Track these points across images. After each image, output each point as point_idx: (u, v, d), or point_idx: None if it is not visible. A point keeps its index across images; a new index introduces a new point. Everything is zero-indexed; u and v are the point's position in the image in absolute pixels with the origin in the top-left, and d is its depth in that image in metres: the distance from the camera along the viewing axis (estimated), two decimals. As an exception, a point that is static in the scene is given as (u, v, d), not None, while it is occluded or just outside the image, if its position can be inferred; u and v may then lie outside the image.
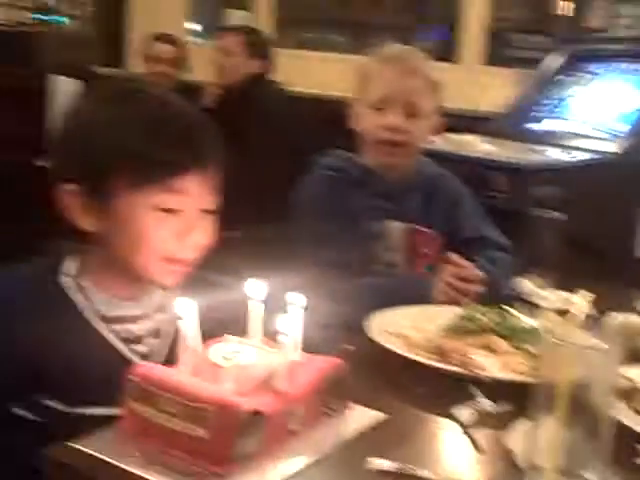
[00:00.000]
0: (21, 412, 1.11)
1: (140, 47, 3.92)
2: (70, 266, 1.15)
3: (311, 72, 3.96)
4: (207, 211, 1.15)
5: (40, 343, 1.07)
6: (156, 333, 1.19)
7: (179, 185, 1.09)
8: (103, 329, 1.13)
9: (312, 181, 1.79)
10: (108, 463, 0.89)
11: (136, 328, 1.17)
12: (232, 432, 0.87)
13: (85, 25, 4.80)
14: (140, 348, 1.16)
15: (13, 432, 1.10)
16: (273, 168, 3.18)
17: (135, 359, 1.13)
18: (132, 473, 0.87)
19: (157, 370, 0.95)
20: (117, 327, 1.14)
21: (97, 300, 1.13)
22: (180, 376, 0.93)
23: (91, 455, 0.90)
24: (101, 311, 1.13)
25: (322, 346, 1.09)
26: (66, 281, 1.13)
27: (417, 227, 1.79)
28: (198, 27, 4.88)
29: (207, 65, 3.68)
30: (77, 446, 0.92)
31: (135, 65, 4.16)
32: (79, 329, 1.11)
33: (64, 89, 4.10)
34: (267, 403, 0.93)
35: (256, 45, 3.55)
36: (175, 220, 1.11)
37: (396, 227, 1.77)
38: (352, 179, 1.77)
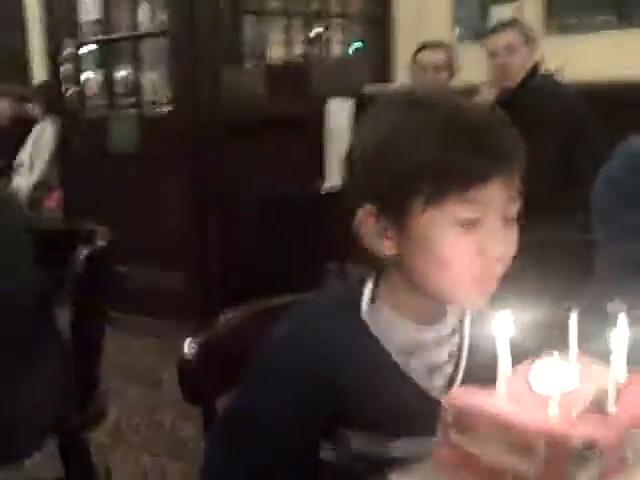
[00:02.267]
0: (329, 457, 1.08)
1: (409, 58, 3.92)
2: (368, 293, 1.10)
3: (583, 56, 3.74)
4: (509, 220, 1.05)
5: (346, 381, 1.03)
6: (454, 356, 1.12)
7: (481, 195, 1.00)
8: (403, 362, 1.07)
9: (616, 168, 1.64)
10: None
11: (435, 355, 1.10)
12: (564, 467, 0.78)
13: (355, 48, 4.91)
14: (439, 379, 1.09)
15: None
16: (554, 168, 3.03)
17: (435, 393, 1.07)
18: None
19: (477, 397, 0.88)
20: (416, 360, 1.08)
21: (395, 330, 1.08)
22: (501, 404, 0.86)
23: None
24: (399, 343, 1.07)
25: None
26: (366, 312, 1.08)
27: None
28: (457, 29, 4.78)
29: (477, 67, 3.60)
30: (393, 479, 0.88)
31: (405, 77, 4.18)
32: (379, 363, 1.06)
33: (337, 112, 4.23)
34: (600, 431, 0.82)
35: (530, 37, 3.40)
36: (477, 234, 1.02)
37: None
38: None
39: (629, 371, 0.92)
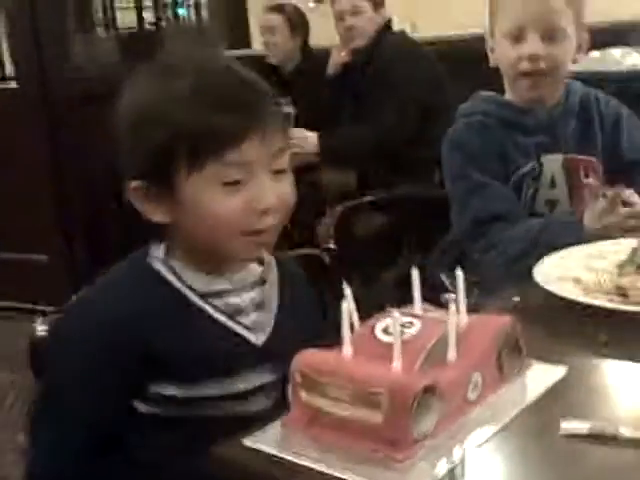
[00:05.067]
0: (141, 407, 1.09)
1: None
2: (158, 251, 1.12)
3: (435, 13, 3.82)
4: (279, 171, 1.08)
5: (144, 327, 1.06)
6: (260, 306, 1.14)
7: (238, 157, 1.03)
8: (203, 304, 1.10)
9: (458, 130, 1.69)
10: (282, 459, 0.86)
11: (238, 300, 1.12)
12: (408, 413, 0.82)
13: (208, 13, 4.81)
14: (244, 320, 1.12)
15: (137, 428, 1.10)
16: (411, 127, 3.08)
17: (241, 331, 1.11)
18: (308, 467, 0.83)
19: (322, 356, 0.90)
20: (216, 302, 1.10)
21: (190, 278, 1.10)
22: (346, 360, 0.89)
23: (262, 452, 0.87)
24: (196, 288, 1.10)
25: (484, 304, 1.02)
26: (157, 264, 1.11)
27: (576, 157, 1.67)
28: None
29: (326, 29, 3.61)
30: (246, 443, 0.89)
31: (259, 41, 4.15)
32: (179, 308, 1.09)
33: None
34: (441, 376, 0.87)
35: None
36: (245, 190, 1.05)
37: (554, 160, 1.66)
38: (499, 120, 1.66)
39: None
